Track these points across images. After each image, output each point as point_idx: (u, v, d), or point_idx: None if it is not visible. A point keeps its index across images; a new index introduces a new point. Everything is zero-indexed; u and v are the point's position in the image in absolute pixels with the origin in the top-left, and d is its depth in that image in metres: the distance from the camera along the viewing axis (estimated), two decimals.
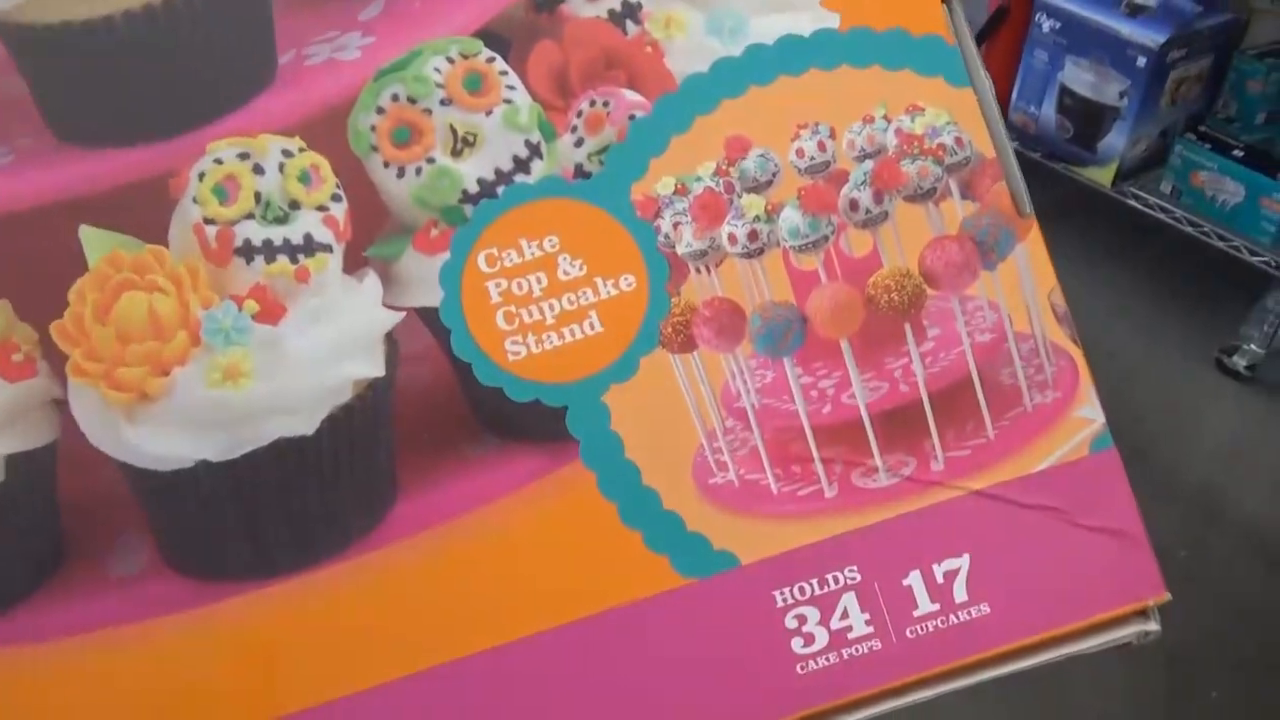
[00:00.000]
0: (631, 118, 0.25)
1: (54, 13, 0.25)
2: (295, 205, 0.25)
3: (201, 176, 0.25)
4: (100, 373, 0.25)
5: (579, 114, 0.25)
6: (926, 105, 0.25)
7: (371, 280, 0.25)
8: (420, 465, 0.25)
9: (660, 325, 0.25)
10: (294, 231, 0.25)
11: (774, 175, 0.25)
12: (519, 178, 0.25)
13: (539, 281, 0.25)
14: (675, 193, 0.25)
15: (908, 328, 0.25)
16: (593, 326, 0.25)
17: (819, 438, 0.25)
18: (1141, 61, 1.50)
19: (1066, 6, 1.58)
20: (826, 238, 0.25)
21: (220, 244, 0.25)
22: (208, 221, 0.25)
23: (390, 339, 0.25)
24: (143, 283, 0.25)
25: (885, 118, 0.25)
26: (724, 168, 0.25)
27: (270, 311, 0.25)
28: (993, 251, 0.24)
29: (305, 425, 0.25)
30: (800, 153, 0.25)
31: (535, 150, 0.25)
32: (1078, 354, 0.24)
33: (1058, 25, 1.58)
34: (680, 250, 0.25)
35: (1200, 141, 1.53)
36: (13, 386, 0.25)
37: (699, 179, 0.25)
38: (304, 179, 0.25)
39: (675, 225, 0.25)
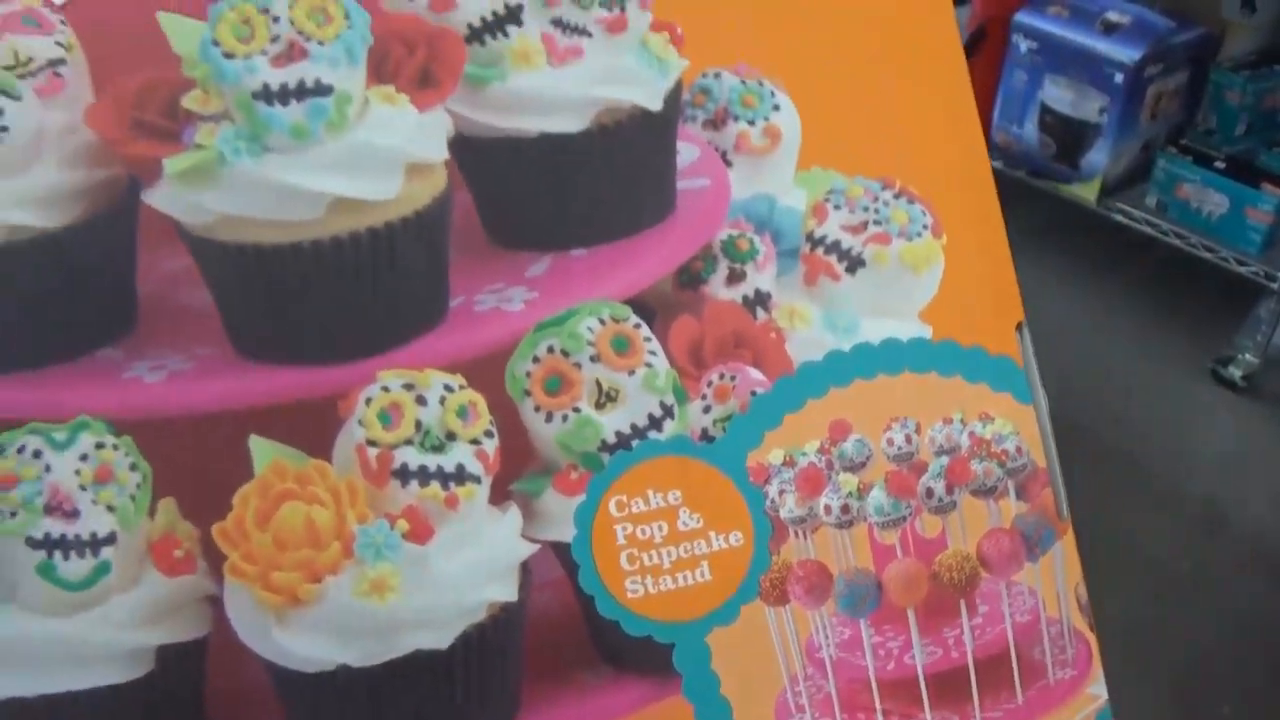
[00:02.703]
0: (753, 393, 0.29)
1: (246, 235, 0.27)
2: (451, 436, 0.28)
3: (369, 401, 0.27)
4: (256, 575, 0.27)
5: (709, 384, 0.29)
6: (996, 415, 0.30)
7: (513, 512, 0.28)
8: (541, 686, 0.27)
9: (761, 579, 0.28)
10: (448, 461, 0.27)
11: (867, 458, 0.29)
12: (652, 434, 0.28)
13: (660, 529, 0.28)
14: (784, 464, 0.29)
15: (963, 604, 0.29)
16: (703, 574, 0.28)
17: (882, 691, 0.29)
18: (1119, 78, 1.49)
19: (1043, 27, 1.57)
20: (905, 518, 0.29)
21: (380, 465, 0.27)
22: (370, 443, 0.27)
23: (525, 567, 0.28)
24: (304, 494, 0.27)
25: (962, 421, 0.29)
26: (826, 447, 0.29)
27: (419, 532, 0.27)
28: (1037, 547, 0.29)
29: (441, 640, 0.27)
30: (890, 442, 0.29)
31: (668, 411, 0.28)
32: (1093, 639, 0.29)
33: (1035, 45, 1.57)
34: (783, 514, 0.29)
35: (1182, 155, 1.50)
36: (171, 581, 0.27)
37: (804, 454, 0.29)
38: (462, 414, 0.28)
39: (780, 492, 0.29)
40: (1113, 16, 1.53)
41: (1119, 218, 1.53)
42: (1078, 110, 1.56)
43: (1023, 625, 0.29)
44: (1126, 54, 1.49)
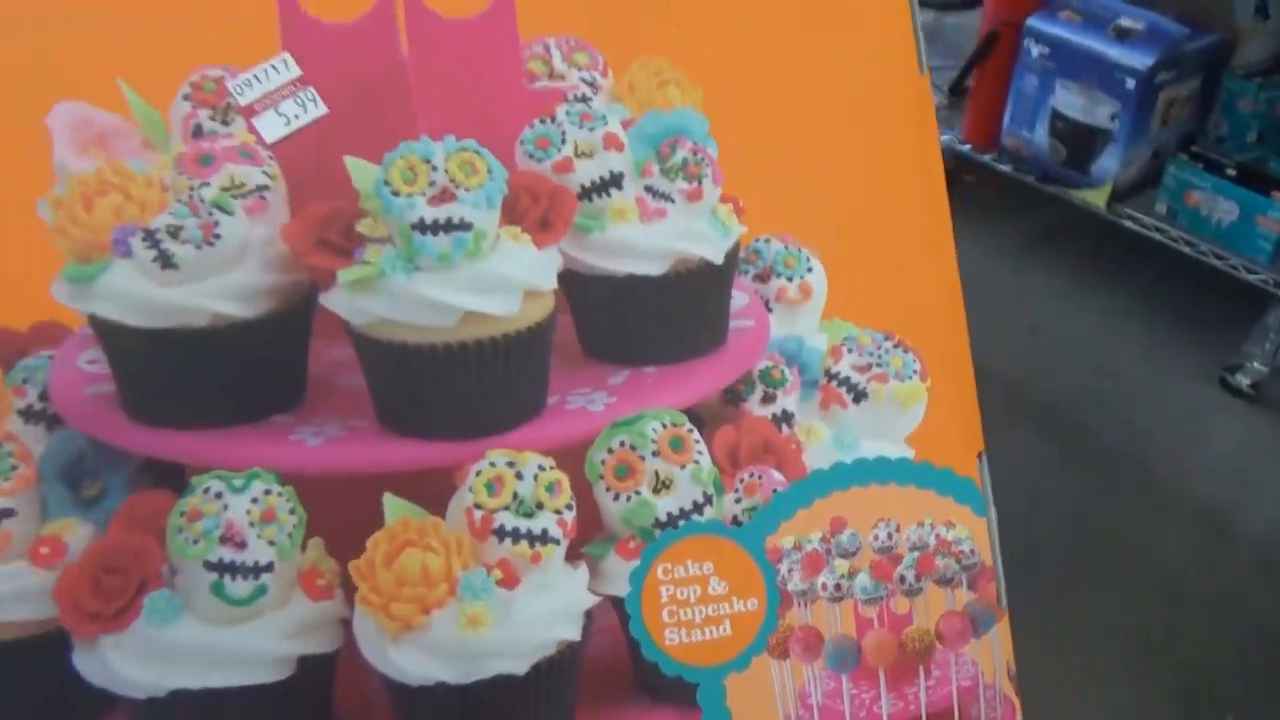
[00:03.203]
0: (774, 491, 0.36)
1: (397, 335, 0.34)
2: (540, 506, 0.35)
3: (478, 474, 0.34)
4: (380, 605, 0.33)
5: (741, 481, 0.36)
6: (957, 523, 0.38)
7: (583, 570, 0.35)
8: (593, 709, 0.34)
9: (769, 637, 0.36)
10: (536, 525, 0.34)
11: (857, 549, 0.37)
12: (694, 517, 0.36)
13: (695, 592, 0.35)
14: (793, 548, 0.36)
15: (921, 668, 0.37)
16: (725, 630, 0.35)
17: None
18: (1130, 84, 1.44)
19: (1055, 32, 1.52)
20: (883, 597, 0.37)
21: (482, 525, 0.34)
22: (476, 507, 0.34)
23: (588, 614, 0.35)
24: (421, 543, 0.34)
25: (931, 525, 0.37)
26: (827, 537, 0.37)
27: (509, 580, 0.34)
28: (981, 627, 0.37)
29: (520, 667, 0.34)
30: (876, 537, 0.37)
31: (709, 500, 0.36)
32: (1018, 704, 0.37)
33: (1046, 50, 1.52)
34: (789, 588, 0.36)
35: (1193, 161, 1.46)
36: (314, 605, 0.33)
37: (810, 541, 0.36)
38: (550, 489, 0.35)
39: (789, 570, 0.36)
40: (1125, 22, 1.48)
41: (1128, 224, 1.48)
42: (1089, 116, 1.50)
43: (965, 688, 0.37)
44: (1139, 60, 1.45)
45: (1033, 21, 1.55)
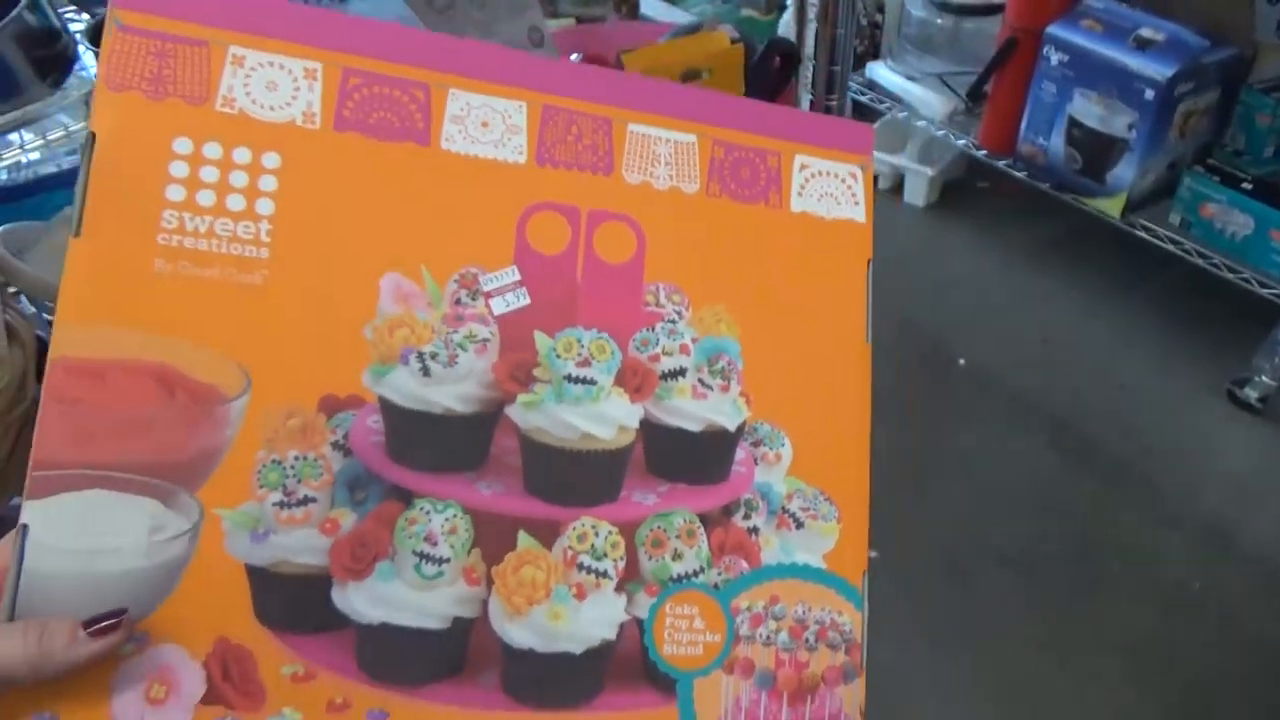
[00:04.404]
0: (741, 573, 0.59)
1: (544, 439, 0.56)
2: (605, 555, 0.57)
3: (573, 529, 0.56)
4: (506, 595, 0.54)
5: (723, 562, 0.59)
6: (844, 612, 0.60)
7: (622, 598, 0.56)
8: (616, 682, 0.56)
9: (724, 660, 0.58)
10: (601, 565, 0.56)
11: (783, 616, 0.59)
12: (693, 578, 0.58)
13: (685, 624, 0.57)
14: (747, 608, 0.59)
15: (809, 696, 0.59)
16: (699, 650, 0.56)
17: None
18: (1149, 94, 1.38)
19: (1075, 40, 1.45)
20: (794, 648, 0.59)
21: (570, 559, 0.56)
22: (568, 548, 0.56)
23: (621, 625, 0.56)
24: (534, 563, 0.55)
25: (828, 610, 0.60)
26: (767, 605, 0.59)
27: (580, 595, 0.55)
28: (848, 679, 0.59)
29: (576, 649, 0.55)
30: (795, 611, 0.60)
31: (702, 570, 0.58)
32: None
33: (1066, 58, 1.46)
34: (741, 632, 0.58)
35: (1209, 174, 1.41)
36: (469, 588, 0.54)
37: (756, 605, 0.59)
38: (613, 545, 0.57)
39: (742, 621, 0.58)
40: (1146, 33, 1.41)
41: (1142, 234, 1.45)
42: (1106, 125, 1.45)
43: (834, 713, 0.59)
44: (1159, 71, 1.39)
45: (1053, 29, 1.49)
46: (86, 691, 0.47)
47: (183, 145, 0.51)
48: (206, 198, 0.51)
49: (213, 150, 0.52)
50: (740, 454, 0.60)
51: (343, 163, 0.54)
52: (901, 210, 2.22)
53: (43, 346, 1.07)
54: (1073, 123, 1.50)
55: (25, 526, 0.47)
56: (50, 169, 1.30)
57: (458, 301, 0.55)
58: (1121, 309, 1.54)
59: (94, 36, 1.43)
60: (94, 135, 0.49)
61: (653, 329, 0.58)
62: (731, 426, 0.59)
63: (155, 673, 0.48)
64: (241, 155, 0.52)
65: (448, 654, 0.53)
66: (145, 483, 0.49)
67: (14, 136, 1.35)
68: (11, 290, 0.99)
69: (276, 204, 0.52)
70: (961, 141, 1.74)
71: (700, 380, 0.59)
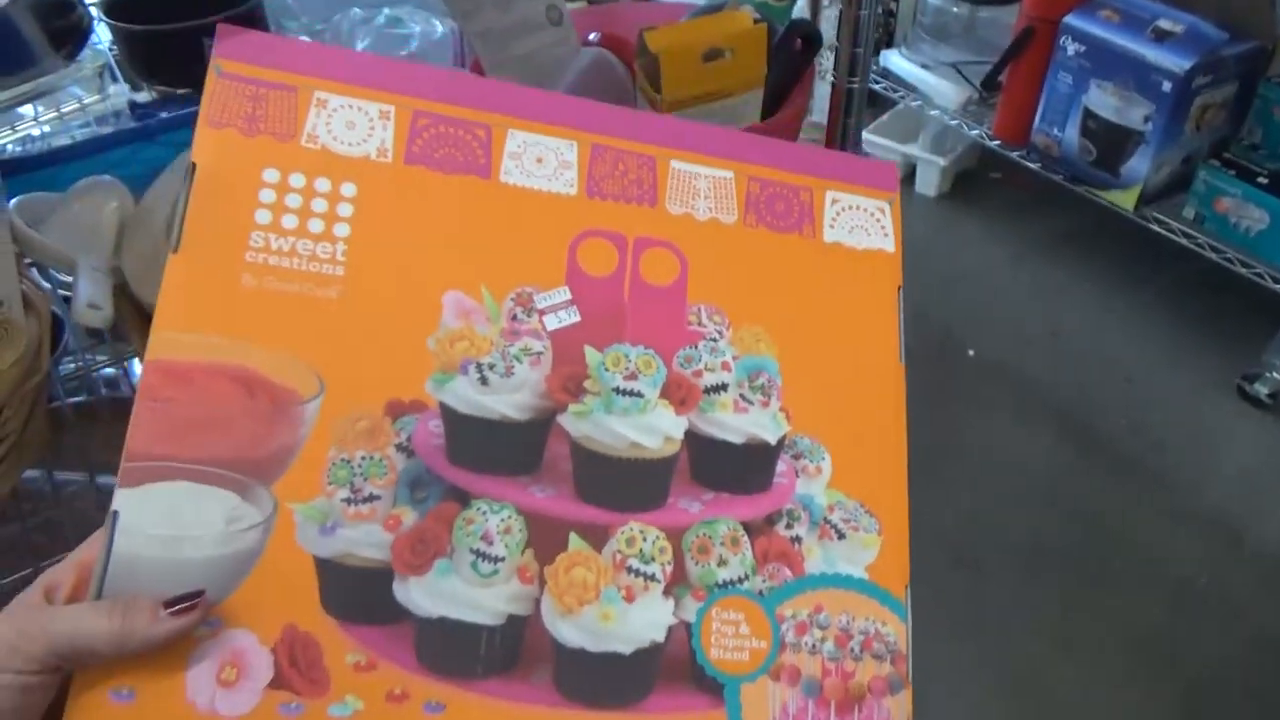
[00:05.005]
0: (785, 581, 0.61)
1: (593, 447, 0.59)
2: (653, 559, 0.59)
3: (622, 533, 0.59)
4: (558, 594, 0.56)
5: (767, 570, 0.60)
6: (889, 623, 0.61)
7: (670, 601, 0.58)
8: (665, 683, 0.57)
9: (770, 667, 0.58)
10: (649, 569, 0.58)
11: (828, 625, 0.60)
12: (738, 585, 0.59)
13: (732, 629, 0.58)
14: (791, 616, 0.60)
15: (856, 706, 0.59)
16: (745, 656, 0.58)
17: None
18: (1166, 86, 1.36)
19: (1092, 30, 1.43)
20: (840, 658, 0.60)
21: (619, 563, 0.58)
22: (617, 552, 0.58)
23: (669, 628, 0.58)
24: (585, 565, 0.57)
25: (872, 620, 0.61)
26: (811, 614, 0.60)
27: (629, 597, 0.57)
28: (894, 690, 0.60)
29: (626, 650, 0.56)
30: (840, 620, 0.61)
31: (747, 576, 0.59)
32: None
33: (1083, 49, 1.44)
34: (786, 640, 0.59)
35: (1224, 168, 1.38)
36: (523, 586, 0.56)
37: (801, 614, 0.60)
38: (660, 550, 0.59)
39: (787, 629, 0.59)
40: (1165, 24, 1.39)
41: (1155, 227, 1.42)
42: (1122, 117, 1.42)
43: None
44: (1177, 63, 1.36)
45: (1070, 19, 1.47)
46: (163, 670, 0.49)
47: (271, 175, 0.57)
48: (290, 221, 0.57)
49: (297, 180, 0.57)
50: (782, 466, 0.62)
51: (412, 192, 0.59)
52: (913, 200, 2.16)
53: (56, 318, 1.06)
54: (1088, 114, 1.49)
55: (116, 513, 0.51)
56: (63, 141, 1.25)
57: (514, 318, 0.59)
58: (1133, 303, 1.52)
59: (108, 9, 1.35)
60: (194, 165, 0.55)
61: (695, 346, 0.62)
62: (772, 439, 0.61)
63: (227, 656, 0.51)
64: (322, 185, 0.58)
65: (502, 650, 0.55)
66: (225, 476, 0.52)
67: (28, 109, 1.31)
68: (27, 261, 0.96)
69: (352, 228, 0.57)
70: (975, 131, 1.73)
71: (741, 395, 0.62)
